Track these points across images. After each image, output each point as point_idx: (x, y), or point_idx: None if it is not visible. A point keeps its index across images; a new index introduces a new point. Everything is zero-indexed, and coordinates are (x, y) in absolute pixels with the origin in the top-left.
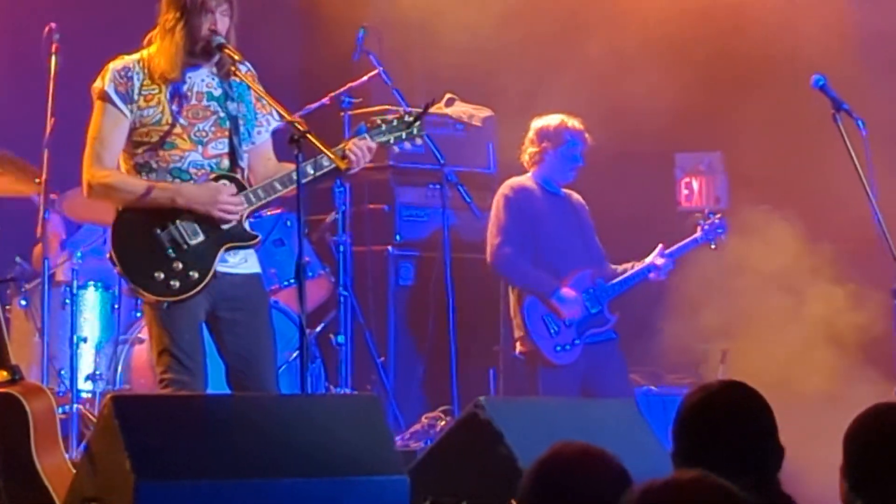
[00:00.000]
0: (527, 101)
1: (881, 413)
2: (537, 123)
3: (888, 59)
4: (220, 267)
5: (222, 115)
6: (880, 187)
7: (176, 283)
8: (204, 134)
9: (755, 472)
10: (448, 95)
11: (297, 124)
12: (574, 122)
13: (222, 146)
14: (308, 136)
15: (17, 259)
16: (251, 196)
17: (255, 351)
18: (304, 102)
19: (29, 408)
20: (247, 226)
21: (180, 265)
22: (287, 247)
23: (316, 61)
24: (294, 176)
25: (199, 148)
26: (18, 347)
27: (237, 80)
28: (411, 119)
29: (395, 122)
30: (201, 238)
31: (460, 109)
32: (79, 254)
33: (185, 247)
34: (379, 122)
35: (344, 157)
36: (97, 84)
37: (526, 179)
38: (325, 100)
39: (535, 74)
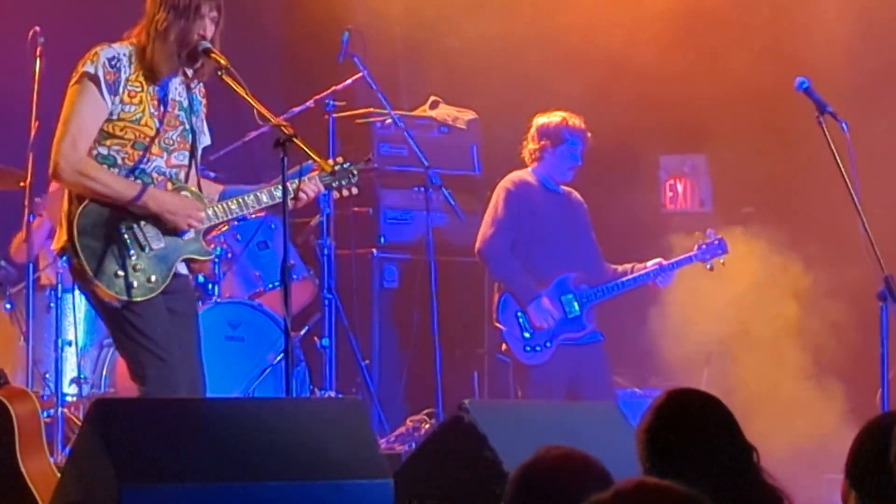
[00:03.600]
0: (511, 103)
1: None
2: (539, 120)
3: (875, 64)
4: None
5: (187, 127)
6: (864, 190)
7: (134, 283)
8: (171, 143)
9: (725, 473)
10: (432, 98)
11: (282, 128)
12: (575, 121)
13: (183, 157)
14: (294, 139)
15: (2, 263)
16: (210, 213)
17: (186, 348)
18: (288, 105)
19: (13, 412)
20: (204, 241)
21: (141, 266)
22: (271, 250)
23: (300, 64)
24: (248, 201)
25: (165, 155)
26: (3, 351)
27: (227, 83)
28: (351, 170)
29: (337, 169)
30: (162, 244)
31: (444, 112)
32: (64, 257)
33: (147, 250)
34: (327, 167)
35: (295, 196)
36: (86, 67)
37: (527, 174)
38: (310, 102)
39: (520, 77)
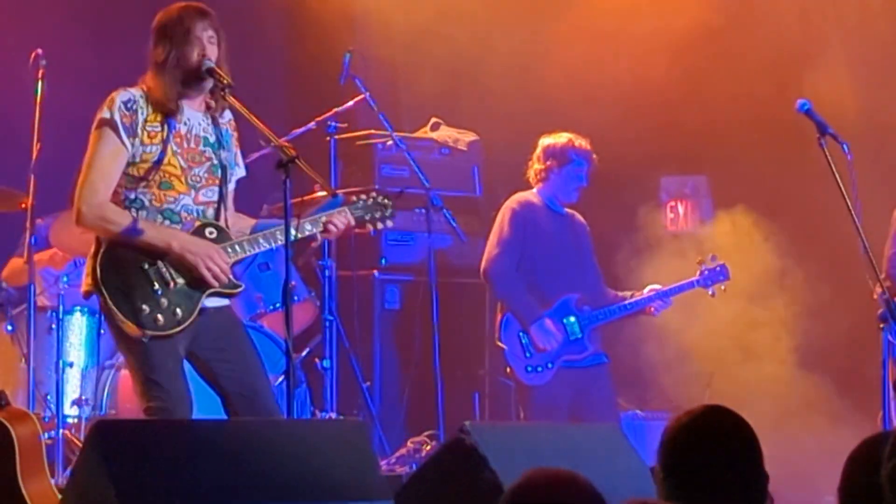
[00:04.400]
0: (512, 125)
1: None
2: (545, 141)
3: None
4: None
5: (216, 162)
6: (865, 211)
7: (161, 318)
8: (198, 179)
9: (739, 498)
10: (433, 119)
11: (285, 149)
12: (581, 142)
13: (212, 194)
14: (296, 161)
15: (3, 284)
16: (237, 247)
17: (252, 372)
18: (290, 127)
19: (14, 434)
20: (230, 275)
21: (166, 302)
22: (273, 271)
23: (302, 86)
24: (278, 235)
25: (193, 193)
26: (4, 372)
27: (223, 110)
28: (385, 202)
29: (370, 202)
30: (187, 279)
31: (445, 133)
32: (65, 279)
33: (172, 285)
34: (355, 199)
35: (325, 229)
36: (103, 113)
37: (531, 195)
38: (312, 124)
39: (521, 98)
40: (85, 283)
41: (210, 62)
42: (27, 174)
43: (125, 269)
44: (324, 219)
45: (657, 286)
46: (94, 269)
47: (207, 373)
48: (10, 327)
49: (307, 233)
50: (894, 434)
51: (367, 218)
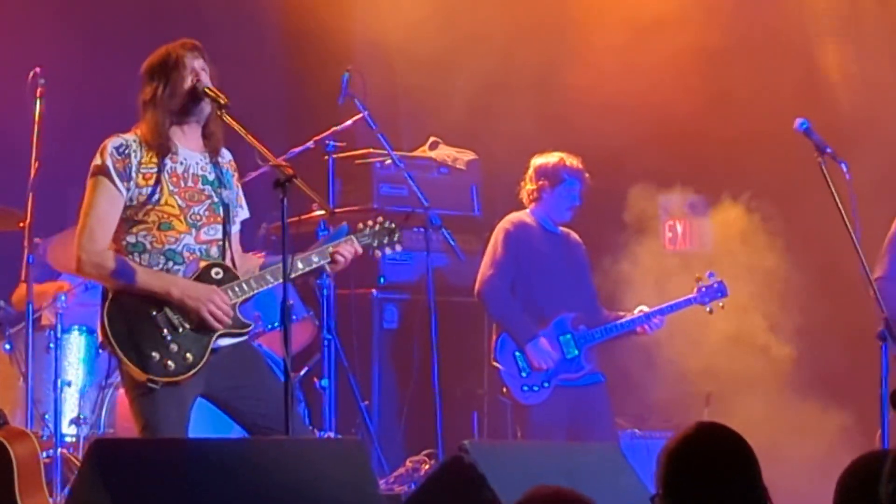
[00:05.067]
0: (511, 144)
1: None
2: (537, 161)
3: (871, 103)
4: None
5: (216, 200)
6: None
7: (171, 365)
8: (199, 218)
9: None
10: (432, 138)
11: (283, 168)
12: (573, 162)
13: (214, 232)
14: (294, 180)
15: (1, 303)
16: (244, 286)
17: (270, 404)
18: (288, 146)
19: (13, 453)
20: (239, 314)
21: (176, 347)
22: (271, 290)
23: (300, 105)
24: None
25: (194, 231)
26: (2, 391)
27: (226, 122)
28: (392, 227)
29: (377, 228)
30: (194, 323)
31: (444, 153)
32: (63, 297)
33: (181, 329)
34: (362, 226)
35: (333, 260)
36: (96, 161)
37: (525, 215)
38: (310, 143)
39: (520, 117)
40: (99, 334)
41: (206, 83)
42: (25, 193)
43: (133, 317)
44: (330, 249)
45: (644, 308)
46: (102, 321)
47: (229, 412)
48: (8, 346)
49: (314, 265)
50: (895, 452)
51: (375, 244)
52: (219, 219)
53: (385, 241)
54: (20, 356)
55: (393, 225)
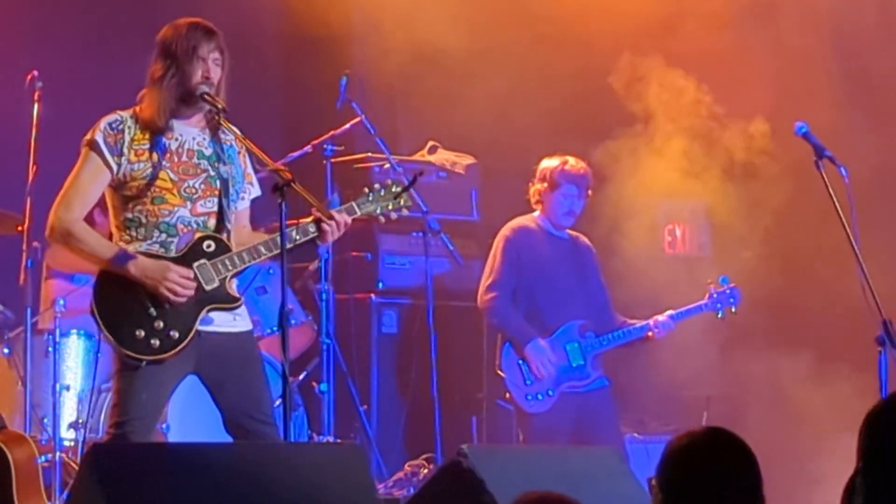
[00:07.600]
0: (510, 148)
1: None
2: (543, 163)
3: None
4: (203, 326)
5: (213, 174)
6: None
7: (156, 342)
8: (194, 191)
9: None
10: (431, 143)
11: (281, 172)
12: (572, 165)
13: (211, 205)
14: (292, 184)
15: (0, 307)
16: (235, 259)
17: (246, 404)
18: (286, 150)
19: (11, 457)
20: (230, 288)
21: (161, 324)
22: (270, 294)
23: (298, 109)
24: (278, 241)
25: (189, 204)
26: (1, 395)
27: (224, 128)
28: (399, 190)
29: (382, 192)
30: (183, 298)
31: (443, 157)
32: (61, 301)
33: (167, 305)
34: (366, 190)
35: (319, 229)
36: (87, 135)
37: (529, 220)
38: (308, 148)
39: (519, 121)
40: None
41: (204, 87)
42: (24, 197)
43: (120, 293)
44: (312, 218)
45: (659, 318)
46: (94, 295)
47: (210, 394)
48: (6, 350)
49: (310, 235)
50: None
51: (378, 211)
52: (215, 191)
53: (390, 207)
54: (19, 360)
55: (399, 188)
